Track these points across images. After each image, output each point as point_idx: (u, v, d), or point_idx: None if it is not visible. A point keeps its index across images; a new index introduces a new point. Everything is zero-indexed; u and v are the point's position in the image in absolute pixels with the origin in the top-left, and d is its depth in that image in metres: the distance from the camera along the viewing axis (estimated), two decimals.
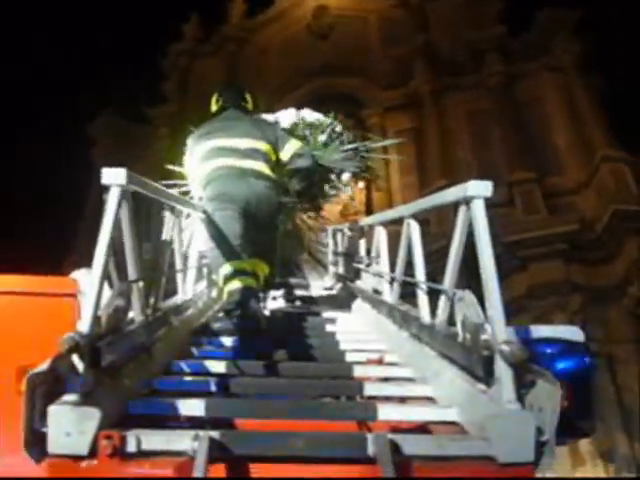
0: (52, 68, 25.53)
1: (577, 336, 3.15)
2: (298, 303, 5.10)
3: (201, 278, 4.36)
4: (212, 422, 2.01)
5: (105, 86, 21.09)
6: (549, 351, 2.97)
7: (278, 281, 5.30)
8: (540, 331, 3.04)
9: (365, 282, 4.84)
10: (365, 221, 5.29)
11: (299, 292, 5.61)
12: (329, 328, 3.84)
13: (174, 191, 4.14)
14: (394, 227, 3.94)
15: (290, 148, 4.13)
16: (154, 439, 1.66)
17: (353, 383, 2.65)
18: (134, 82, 18.86)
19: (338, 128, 6.17)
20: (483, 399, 1.88)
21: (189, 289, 3.81)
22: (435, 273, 3.06)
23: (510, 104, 13.60)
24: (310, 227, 6.85)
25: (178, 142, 4.88)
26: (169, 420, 2.04)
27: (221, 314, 3.81)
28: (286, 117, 6.06)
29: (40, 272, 3.36)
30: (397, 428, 2.02)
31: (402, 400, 2.48)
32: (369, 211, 12.75)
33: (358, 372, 2.74)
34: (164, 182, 4.78)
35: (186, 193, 4.82)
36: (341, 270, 6.25)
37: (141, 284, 2.53)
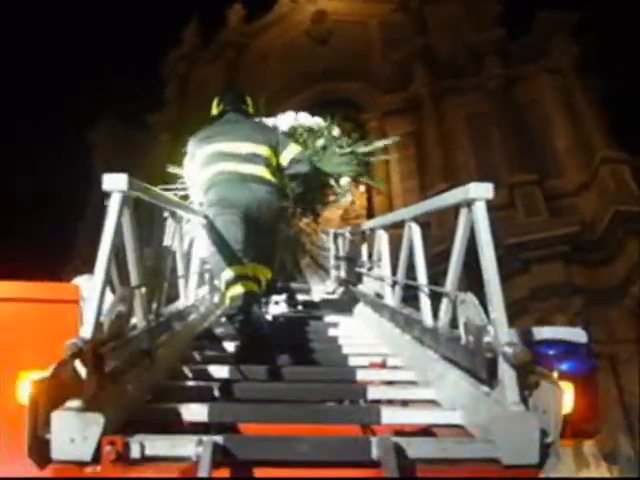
0: (52, 68, 25.65)
1: (580, 337, 3.13)
2: (300, 307, 5.09)
3: (203, 283, 4.36)
4: (215, 427, 2.01)
5: (105, 88, 21.16)
6: (552, 352, 2.96)
7: (280, 286, 5.30)
8: (543, 333, 3.03)
9: (367, 286, 4.84)
10: (366, 225, 5.28)
11: (301, 296, 5.60)
12: (331, 332, 3.84)
13: (174, 196, 4.14)
14: (395, 230, 3.94)
15: (289, 153, 4.13)
16: (158, 444, 1.66)
17: (356, 387, 2.64)
18: (134, 87, 18.91)
19: (335, 132, 6.15)
20: (487, 401, 1.88)
21: (191, 294, 3.81)
22: (437, 276, 3.06)
23: (510, 106, 13.60)
24: (311, 231, 6.83)
25: (178, 148, 4.87)
26: (172, 425, 2.03)
27: (223, 319, 3.81)
28: (284, 121, 6.06)
29: (40, 272, 3.37)
30: (401, 431, 2.02)
31: (405, 403, 2.48)
32: (370, 215, 12.73)
33: (361, 376, 2.73)
34: (164, 187, 4.79)
35: (185, 197, 4.81)
36: (343, 274, 6.23)
37: (143, 290, 2.52)
